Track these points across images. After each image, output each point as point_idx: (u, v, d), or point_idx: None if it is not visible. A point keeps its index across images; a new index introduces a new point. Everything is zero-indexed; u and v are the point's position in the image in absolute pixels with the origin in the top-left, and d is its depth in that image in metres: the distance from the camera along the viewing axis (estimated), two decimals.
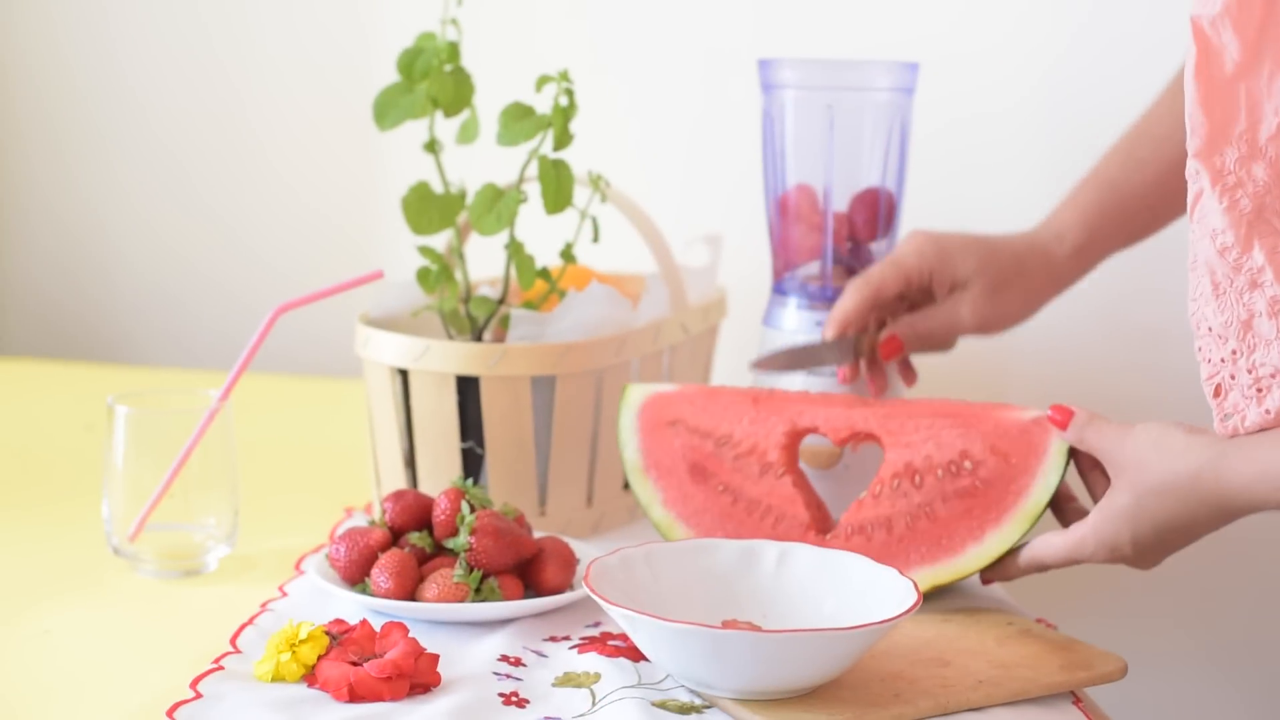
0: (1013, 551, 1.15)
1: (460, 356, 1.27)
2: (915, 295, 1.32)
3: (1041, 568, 1.15)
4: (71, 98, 2.04)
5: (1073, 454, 1.14)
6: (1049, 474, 1.14)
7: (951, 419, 1.17)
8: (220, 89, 2.00)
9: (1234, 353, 1.05)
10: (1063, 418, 1.14)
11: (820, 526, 1.20)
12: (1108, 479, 1.13)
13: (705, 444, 1.23)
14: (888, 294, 1.30)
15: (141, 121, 2.03)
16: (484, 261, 1.53)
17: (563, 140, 1.29)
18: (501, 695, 1.00)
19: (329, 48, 1.95)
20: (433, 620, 1.11)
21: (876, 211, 1.35)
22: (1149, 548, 1.10)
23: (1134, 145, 1.37)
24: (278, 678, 1.00)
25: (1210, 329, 1.06)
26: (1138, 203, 1.36)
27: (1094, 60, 1.70)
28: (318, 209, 1.99)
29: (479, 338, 1.34)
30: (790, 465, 1.22)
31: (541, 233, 1.40)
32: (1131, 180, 1.35)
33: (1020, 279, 1.32)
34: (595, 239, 1.34)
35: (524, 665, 1.05)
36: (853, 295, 1.29)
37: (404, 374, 1.30)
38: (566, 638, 1.10)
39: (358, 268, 1.50)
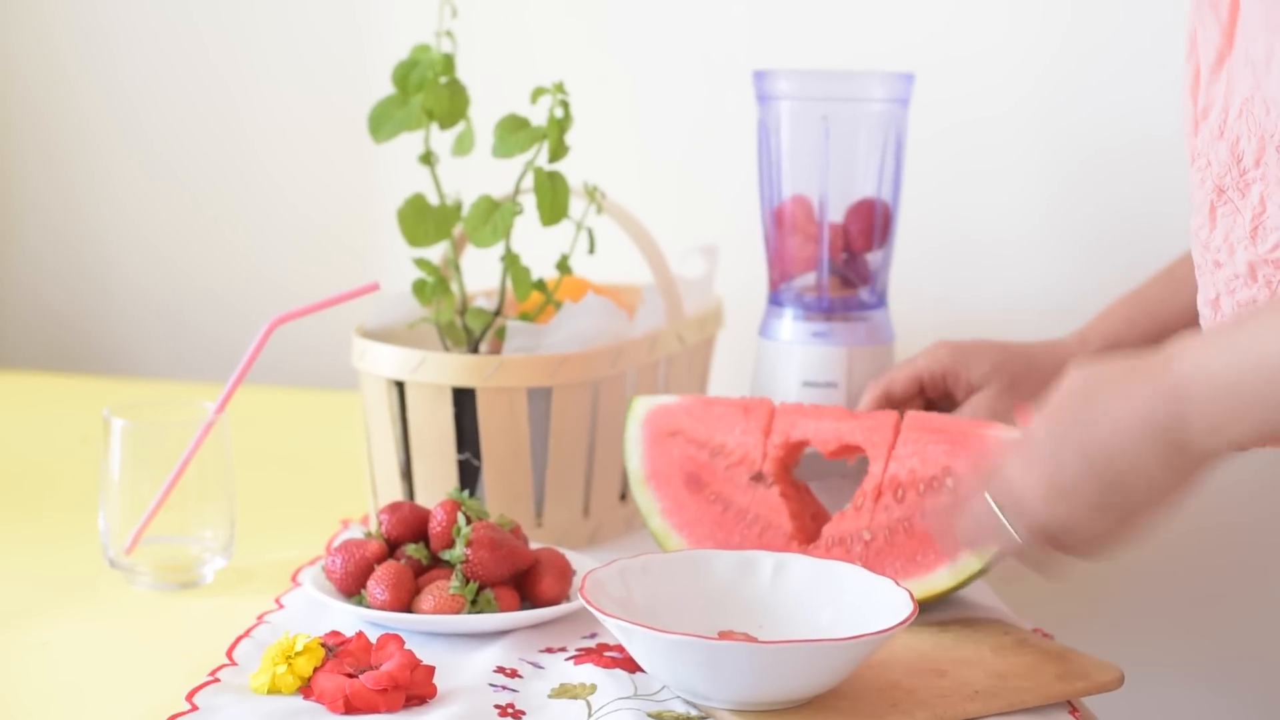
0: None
1: (456, 368, 1.27)
2: (938, 400, 1.32)
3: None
4: (69, 109, 2.04)
5: None
6: None
7: (939, 434, 1.17)
8: (217, 100, 2.00)
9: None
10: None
11: (804, 536, 1.20)
12: None
13: (701, 454, 1.23)
14: (898, 389, 1.29)
15: (139, 133, 2.03)
16: (480, 273, 1.53)
17: (558, 152, 1.29)
18: (497, 707, 1.00)
19: (326, 60, 1.95)
20: (429, 632, 1.11)
21: (872, 222, 1.35)
22: (1066, 438, 0.95)
23: (1174, 265, 1.35)
24: (273, 690, 1.00)
25: (1201, 303, 1.07)
26: (1176, 321, 1.31)
27: (1088, 63, 1.70)
28: (315, 221, 1.99)
29: (475, 349, 1.34)
30: (780, 475, 1.22)
31: (538, 244, 1.40)
32: (1169, 300, 1.33)
33: (1030, 378, 1.29)
34: (591, 250, 1.34)
35: (520, 677, 1.05)
36: (867, 395, 1.30)
37: (400, 386, 1.30)
38: (563, 649, 1.10)
39: (355, 279, 1.50)
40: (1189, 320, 1.28)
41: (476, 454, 1.29)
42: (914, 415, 1.19)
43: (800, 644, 0.96)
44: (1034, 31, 1.72)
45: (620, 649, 1.09)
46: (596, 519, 1.35)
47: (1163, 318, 1.33)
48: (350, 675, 1.00)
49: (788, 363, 1.35)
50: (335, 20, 1.95)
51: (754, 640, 1.02)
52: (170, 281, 2.04)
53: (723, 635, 1.05)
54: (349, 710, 0.98)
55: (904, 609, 1.01)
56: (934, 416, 1.19)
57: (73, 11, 2.02)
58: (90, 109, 2.04)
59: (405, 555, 1.15)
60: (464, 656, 1.08)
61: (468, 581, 1.12)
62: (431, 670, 1.01)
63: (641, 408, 1.27)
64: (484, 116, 1.34)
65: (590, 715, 0.99)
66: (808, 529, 1.21)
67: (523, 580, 1.15)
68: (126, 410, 1.21)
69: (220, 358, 1.94)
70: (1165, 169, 1.64)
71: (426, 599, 1.11)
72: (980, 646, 1.11)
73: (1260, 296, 1.02)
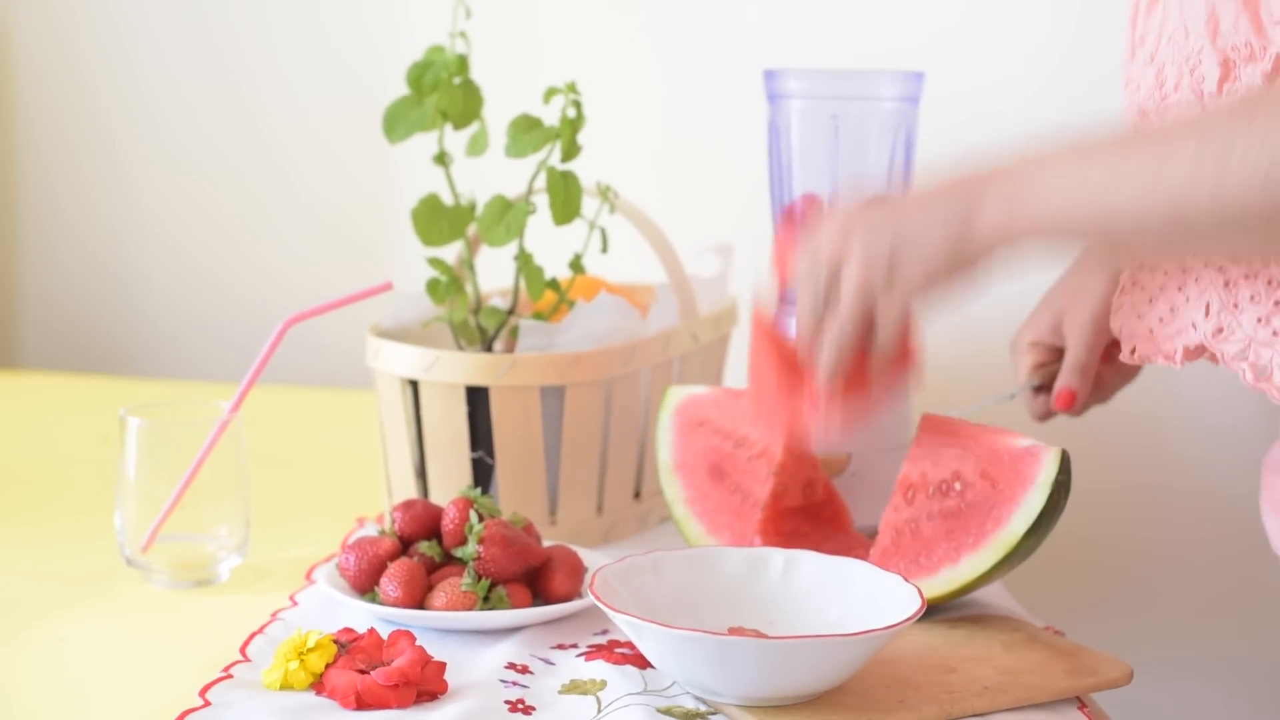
0: None
1: (470, 367, 1.28)
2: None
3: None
4: (87, 113, 2.06)
5: (1060, 486, 1.12)
6: (1031, 505, 1.10)
7: (951, 438, 1.17)
8: (233, 103, 2.01)
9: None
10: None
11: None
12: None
13: (725, 444, 1.24)
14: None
15: (156, 136, 2.04)
16: (494, 272, 1.54)
17: (570, 152, 1.30)
18: (508, 703, 1.00)
19: (340, 62, 1.96)
20: (441, 628, 1.12)
21: None
22: (882, 200, 1.06)
23: None
24: (286, 686, 1.01)
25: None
26: None
27: (1098, 58, 1.69)
28: (330, 221, 2.00)
29: (489, 348, 1.34)
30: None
31: (551, 244, 1.40)
32: None
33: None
34: (604, 249, 1.35)
35: (531, 673, 1.06)
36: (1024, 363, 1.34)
37: (414, 385, 1.31)
38: (574, 645, 1.11)
39: (370, 279, 1.50)
40: None
41: (490, 452, 1.30)
42: (930, 418, 1.19)
43: (809, 639, 0.96)
44: (1044, 28, 1.72)
45: (631, 645, 1.10)
46: (610, 517, 1.36)
47: None
48: (362, 671, 1.01)
49: None
50: (350, 23, 1.96)
51: (763, 636, 1.03)
52: (187, 282, 2.06)
53: (732, 631, 1.06)
54: (360, 706, 0.98)
55: (912, 605, 1.01)
56: (950, 420, 1.19)
57: (91, 17, 2.03)
58: (108, 112, 2.05)
59: (418, 553, 1.15)
60: (475, 653, 1.09)
61: (480, 578, 1.12)
62: (443, 666, 1.02)
63: (674, 397, 1.28)
64: (498, 117, 1.34)
65: (600, 711, 1.00)
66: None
67: (534, 577, 1.16)
68: (143, 410, 1.23)
69: (237, 357, 1.96)
70: None
71: (439, 596, 1.12)
72: (990, 643, 1.11)
73: None
